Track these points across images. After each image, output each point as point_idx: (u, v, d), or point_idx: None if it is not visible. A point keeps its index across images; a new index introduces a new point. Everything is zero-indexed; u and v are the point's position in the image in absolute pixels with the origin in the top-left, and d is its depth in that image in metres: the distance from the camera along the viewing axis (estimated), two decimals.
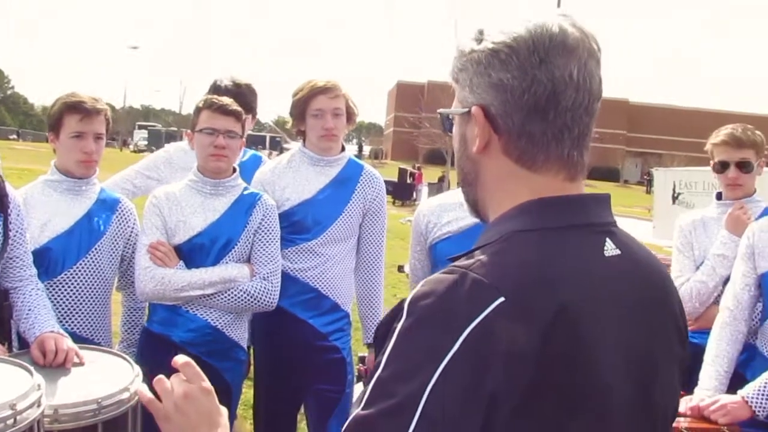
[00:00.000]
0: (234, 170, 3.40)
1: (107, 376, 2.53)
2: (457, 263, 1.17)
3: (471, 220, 3.16)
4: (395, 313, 1.15)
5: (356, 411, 1.10)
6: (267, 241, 3.36)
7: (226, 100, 3.36)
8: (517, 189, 1.25)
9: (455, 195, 3.40)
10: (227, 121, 3.28)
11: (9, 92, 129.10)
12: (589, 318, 1.13)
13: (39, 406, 1.92)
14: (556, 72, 1.19)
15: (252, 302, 3.28)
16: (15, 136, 73.51)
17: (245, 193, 3.40)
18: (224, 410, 1.38)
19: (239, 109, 3.37)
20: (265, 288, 3.30)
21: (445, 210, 3.29)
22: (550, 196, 1.23)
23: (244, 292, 3.26)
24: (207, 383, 1.37)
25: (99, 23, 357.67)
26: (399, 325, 1.11)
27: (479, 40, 1.25)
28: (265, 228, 3.36)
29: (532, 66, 1.19)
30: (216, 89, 3.96)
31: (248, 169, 3.75)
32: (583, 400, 1.12)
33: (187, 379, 1.38)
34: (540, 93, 1.19)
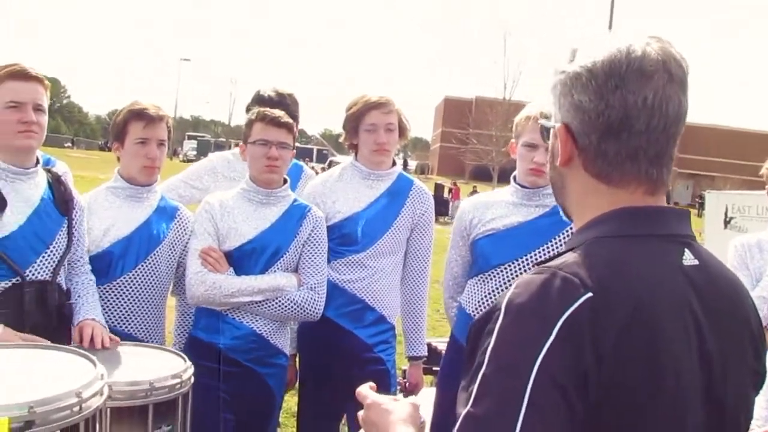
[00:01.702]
0: (285, 181, 3.47)
1: (161, 365, 2.67)
2: (546, 264, 1.27)
3: (514, 219, 3.24)
4: (489, 315, 1.24)
5: (466, 409, 1.18)
6: (315, 253, 3.41)
7: (278, 113, 3.43)
8: (597, 202, 1.34)
9: (499, 193, 3.44)
10: (280, 133, 3.35)
11: (65, 101, 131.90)
12: (663, 319, 1.22)
13: (102, 394, 2.01)
14: (630, 97, 1.27)
15: (298, 312, 3.34)
16: (69, 144, 75.04)
17: (295, 204, 3.46)
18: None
19: (291, 121, 3.44)
20: (311, 298, 3.36)
21: (488, 207, 3.34)
22: (632, 206, 1.32)
23: (291, 302, 3.31)
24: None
25: (152, 35, 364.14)
26: (498, 325, 1.21)
27: (570, 61, 1.34)
28: (314, 240, 3.42)
29: (608, 91, 1.28)
30: (259, 99, 4.02)
31: (290, 179, 3.81)
32: (654, 398, 1.20)
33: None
34: (613, 117, 1.28)
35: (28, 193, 2.93)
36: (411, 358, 3.84)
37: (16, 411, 1.75)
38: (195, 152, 60.43)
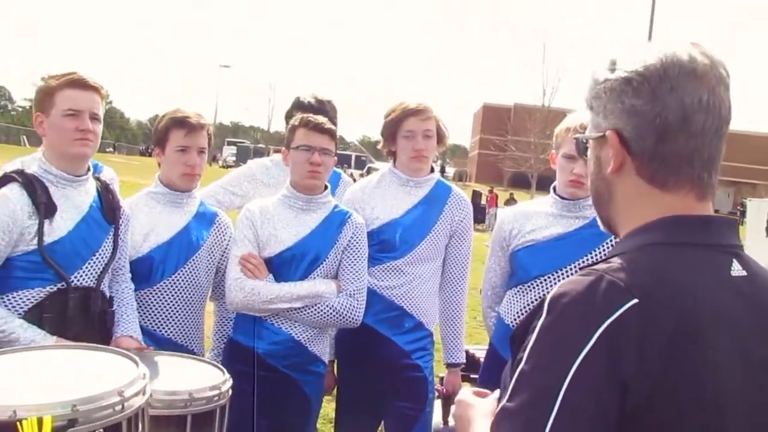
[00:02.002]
0: (326, 187, 3.48)
1: (200, 376, 2.68)
2: (593, 267, 1.27)
3: (555, 230, 3.23)
4: (534, 313, 1.26)
5: (502, 403, 1.21)
6: (355, 259, 3.41)
7: (322, 119, 3.43)
8: (648, 207, 1.34)
9: (538, 204, 3.44)
10: (323, 139, 3.36)
11: (107, 107, 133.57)
12: (708, 329, 1.21)
13: (144, 394, 2.03)
14: (686, 98, 1.28)
15: (338, 318, 3.34)
16: (111, 149, 76.06)
17: (336, 210, 3.46)
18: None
19: (333, 127, 3.45)
20: (350, 305, 3.35)
21: (528, 218, 3.35)
22: (682, 214, 1.32)
23: (331, 308, 3.31)
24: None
25: (193, 42, 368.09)
26: (540, 322, 1.22)
27: (612, 70, 1.35)
28: (354, 246, 3.41)
29: (663, 93, 1.28)
30: (299, 106, 4.05)
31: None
32: (696, 406, 1.20)
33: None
34: (671, 118, 1.29)
35: (78, 200, 2.98)
36: (449, 365, 3.84)
37: (60, 409, 1.76)
38: (234, 158, 60.97)
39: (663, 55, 1.30)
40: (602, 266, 1.26)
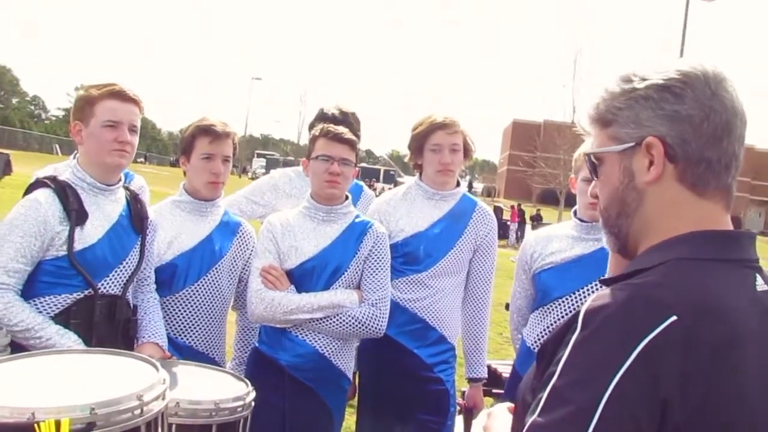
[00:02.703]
0: (346, 197, 3.47)
1: (225, 386, 2.69)
2: (630, 281, 1.25)
3: (574, 252, 3.24)
4: (567, 327, 1.23)
5: (532, 418, 1.18)
6: (377, 268, 3.39)
7: (342, 129, 3.44)
8: (681, 216, 1.33)
9: (561, 227, 3.45)
10: (343, 149, 3.36)
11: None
12: (747, 346, 1.20)
13: (164, 398, 2.02)
14: (727, 103, 1.30)
15: (360, 328, 3.32)
16: (142, 160, 76.89)
17: (357, 220, 3.45)
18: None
19: (354, 138, 3.45)
20: (373, 314, 3.32)
21: (550, 241, 3.37)
22: (712, 229, 1.31)
23: (353, 318, 3.29)
24: None
25: (224, 54, 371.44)
26: (574, 337, 1.20)
27: (633, 80, 1.34)
28: (376, 255, 3.40)
29: (707, 98, 1.29)
30: (323, 117, 4.06)
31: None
32: (738, 427, 1.18)
33: None
34: (717, 122, 1.30)
35: (108, 209, 3.02)
36: (471, 380, 3.82)
37: (78, 412, 1.77)
38: (264, 170, 61.29)
39: (694, 63, 1.32)
40: (636, 281, 1.25)
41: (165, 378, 2.08)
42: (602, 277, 1.38)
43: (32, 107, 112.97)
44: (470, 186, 71.94)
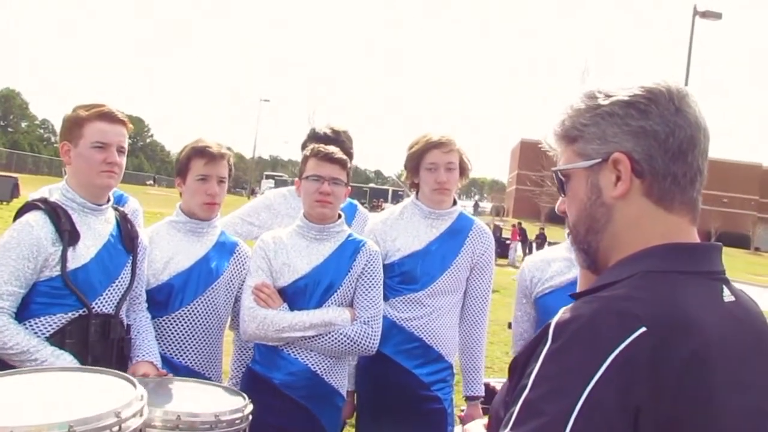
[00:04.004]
0: (339, 216, 3.48)
1: (223, 400, 2.72)
2: (599, 294, 1.26)
3: (572, 273, 3.23)
4: (538, 340, 1.24)
5: (505, 431, 1.18)
6: (369, 286, 3.39)
7: (332, 149, 3.45)
8: (650, 230, 1.34)
9: (557, 250, 3.45)
10: (333, 169, 3.37)
11: (148, 140, 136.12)
12: (717, 356, 1.21)
13: (141, 415, 2.04)
14: (691, 118, 1.32)
15: (352, 346, 3.31)
16: (151, 182, 77.23)
17: (350, 239, 3.46)
18: None
19: (345, 157, 3.46)
20: (365, 332, 3.32)
21: (548, 264, 3.37)
22: (680, 242, 1.33)
23: (345, 336, 3.28)
24: None
25: (234, 76, 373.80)
26: (545, 349, 1.20)
27: (597, 97, 1.36)
28: (368, 273, 3.40)
29: (671, 113, 1.31)
30: (314, 136, 4.07)
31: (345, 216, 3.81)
32: None
33: None
34: (682, 137, 1.31)
35: (99, 228, 3.04)
36: (468, 398, 3.81)
37: (57, 430, 1.78)
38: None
39: (657, 80, 1.34)
40: (605, 293, 1.25)
41: (143, 395, 2.10)
42: (572, 292, 1.38)
43: (42, 131, 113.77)
44: (476, 206, 71.87)
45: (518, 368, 1.27)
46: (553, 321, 1.23)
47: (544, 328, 1.24)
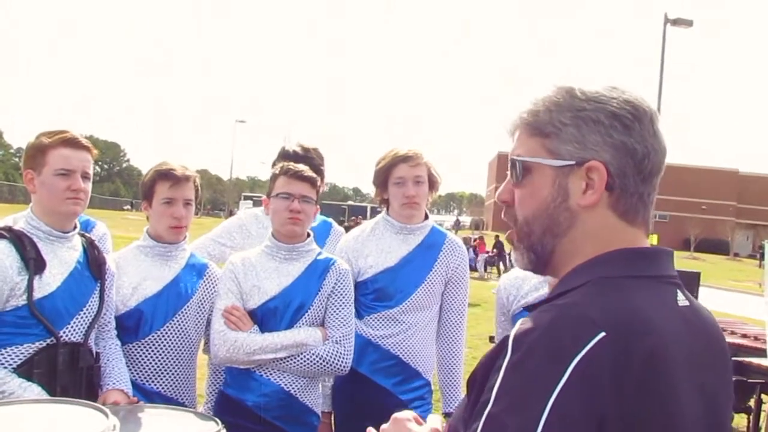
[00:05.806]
0: (308, 235, 3.45)
1: (194, 426, 2.68)
2: (555, 302, 1.24)
3: (545, 289, 3.19)
4: (497, 352, 1.22)
5: None
6: (340, 305, 3.35)
7: (302, 167, 3.43)
8: (611, 241, 1.33)
9: None
10: (303, 187, 3.35)
11: (125, 165, 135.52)
12: (673, 360, 1.21)
13: None
14: (662, 143, 1.34)
15: (324, 366, 3.27)
16: (129, 207, 76.77)
17: (319, 258, 3.42)
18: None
19: (315, 175, 3.43)
20: (337, 352, 3.28)
21: (524, 281, 3.34)
22: (634, 247, 1.33)
23: (317, 356, 3.24)
24: None
25: (207, 98, 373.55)
26: (506, 361, 1.18)
27: (579, 97, 1.33)
28: (339, 292, 3.36)
29: (650, 134, 1.32)
30: (285, 155, 4.06)
31: (318, 235, 3.73)
32: None
33: None
34: (655, 161, 1.32)
35: (65, 256, 2.99)
36: (447, 415, 3.77)
37: None
38: None
39: (637, 96, 1.34)
40: (563, 301, 1.24)
41: (115, 424, 2.07)
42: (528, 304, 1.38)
43: (17, 159, 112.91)
44: (458, 222, 72.04)
45: (476, 383, 1.24)
46: (512, 333, 1.20)
47: (502, 341, 1.22)
